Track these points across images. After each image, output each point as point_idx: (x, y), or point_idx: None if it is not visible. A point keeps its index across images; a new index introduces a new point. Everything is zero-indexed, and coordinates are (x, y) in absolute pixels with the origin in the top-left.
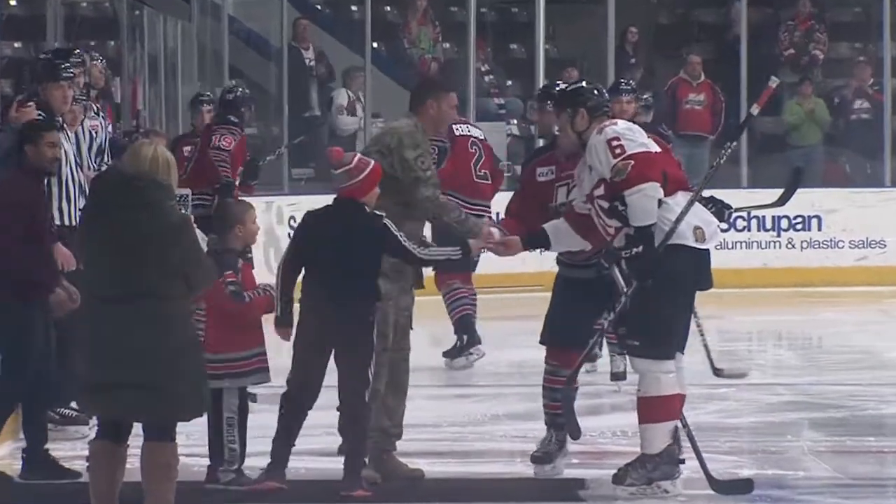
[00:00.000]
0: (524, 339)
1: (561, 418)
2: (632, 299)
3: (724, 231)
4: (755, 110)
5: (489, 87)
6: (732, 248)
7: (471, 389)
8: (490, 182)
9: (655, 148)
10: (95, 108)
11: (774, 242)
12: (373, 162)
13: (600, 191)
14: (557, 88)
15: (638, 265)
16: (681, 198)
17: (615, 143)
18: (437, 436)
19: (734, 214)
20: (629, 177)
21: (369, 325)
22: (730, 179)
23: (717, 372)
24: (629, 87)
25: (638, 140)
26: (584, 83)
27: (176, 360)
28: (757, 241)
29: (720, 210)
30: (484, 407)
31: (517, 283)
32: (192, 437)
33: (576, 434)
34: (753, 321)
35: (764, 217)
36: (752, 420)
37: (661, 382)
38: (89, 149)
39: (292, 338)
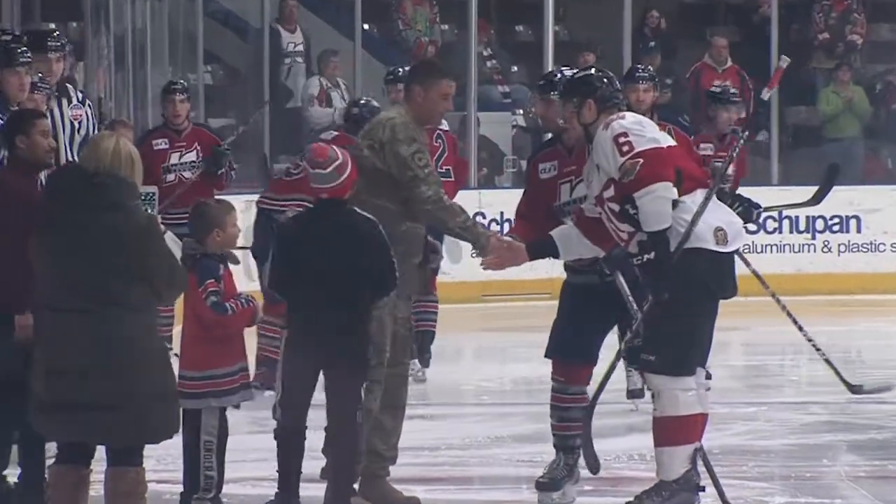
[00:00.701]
0: (531, 353)
1: (570, 440)
2: (646, 310)
3: (752, 233)
4: (766, 95)
5: (492, 73)
6: (762, 251)
7: (472, 409)
8: (452, 179)
9: (668, 142)
10: (80, 97)
11: (809, 245)
12: (347, 154)
13: (610, 192)
14: (561, 75)
15: (652, 274)
16: (700, 196)
17: (622, 139)
18: (435, 460)
19: (764, 214)
20: (639, 177)
21: (364, 337)
22: (759, 176)
23: (855, 389)
24: (647, 74)
25: (647, 135)
26: (593, 71)
27: (141, 376)
28: (789, 244)
29: (748, 209)
30: (486, 428)
31: (524, 291)
32: (163, 461)
33: (594, 468)
34: (784, 333)
35: (797, 217)
36: (783, 442)
37: (679, 401)
38: (71, 140)
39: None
